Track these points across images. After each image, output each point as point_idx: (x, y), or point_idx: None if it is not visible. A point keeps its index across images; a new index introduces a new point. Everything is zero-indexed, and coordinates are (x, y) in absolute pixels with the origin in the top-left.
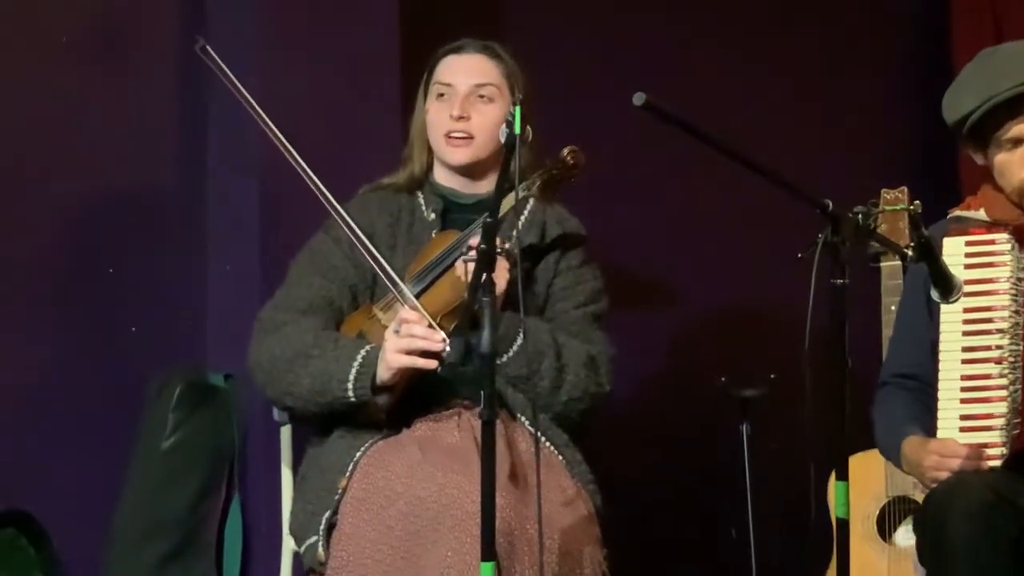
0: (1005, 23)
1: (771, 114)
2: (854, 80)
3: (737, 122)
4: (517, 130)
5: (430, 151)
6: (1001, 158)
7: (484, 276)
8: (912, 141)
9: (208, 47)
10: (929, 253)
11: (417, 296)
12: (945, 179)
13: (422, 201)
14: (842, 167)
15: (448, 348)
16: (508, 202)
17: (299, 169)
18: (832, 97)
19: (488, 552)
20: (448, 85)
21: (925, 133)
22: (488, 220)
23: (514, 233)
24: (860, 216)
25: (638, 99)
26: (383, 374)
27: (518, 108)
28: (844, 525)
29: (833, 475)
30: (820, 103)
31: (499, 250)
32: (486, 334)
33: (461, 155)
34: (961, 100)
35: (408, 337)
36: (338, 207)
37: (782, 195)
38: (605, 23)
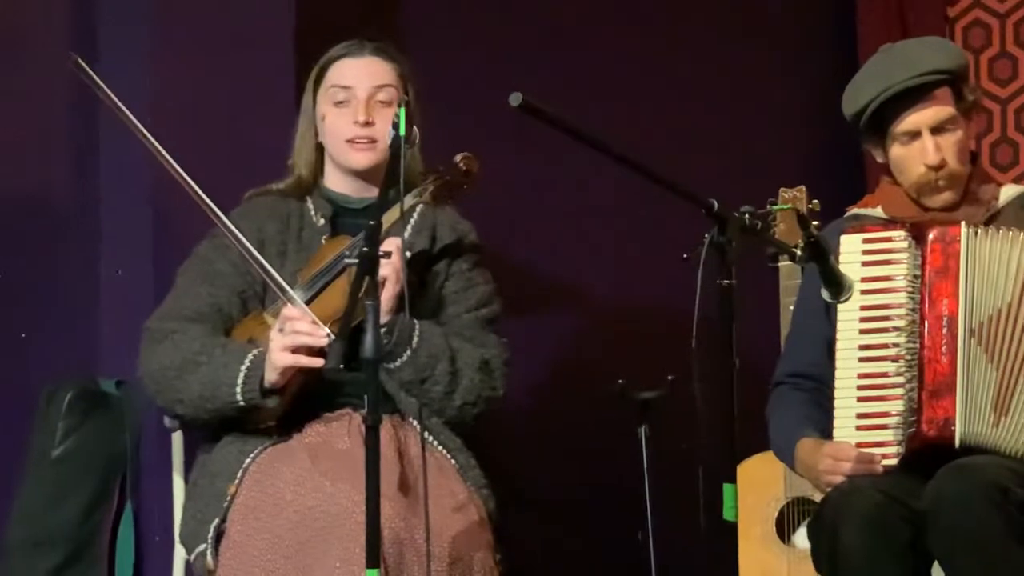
0: (912, 23)
1: (680, 114)
2: (761, 79)
3: (643, 123)
4: (403, 131)
5: (319, 155)
6: (898, 152)
7: (368, 279)
8: (820, 140)
9: (80, 61)
10: (818, 253)
11: (307, 303)
12: (855, 178)
13: (311, 206)
14: (753, 168)
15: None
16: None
17: (180, 179)
18: (739, 97)
19: (373, 558)
20: (347, 88)
21: (834, 132)
22: (371, 223)
23: (403, 237)
24: (746, 216)
25: (515, 99)
26: (270, 375)
27: (403, 110)
28: (733, 528)
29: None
30: (728, 103)
31: (382, 254)
32: (369, 338)
33: (365, 158)
34: (859, 93)
35: (292, 334)
36: (222, 216)
37: (677, 195)
38: (499, 25)
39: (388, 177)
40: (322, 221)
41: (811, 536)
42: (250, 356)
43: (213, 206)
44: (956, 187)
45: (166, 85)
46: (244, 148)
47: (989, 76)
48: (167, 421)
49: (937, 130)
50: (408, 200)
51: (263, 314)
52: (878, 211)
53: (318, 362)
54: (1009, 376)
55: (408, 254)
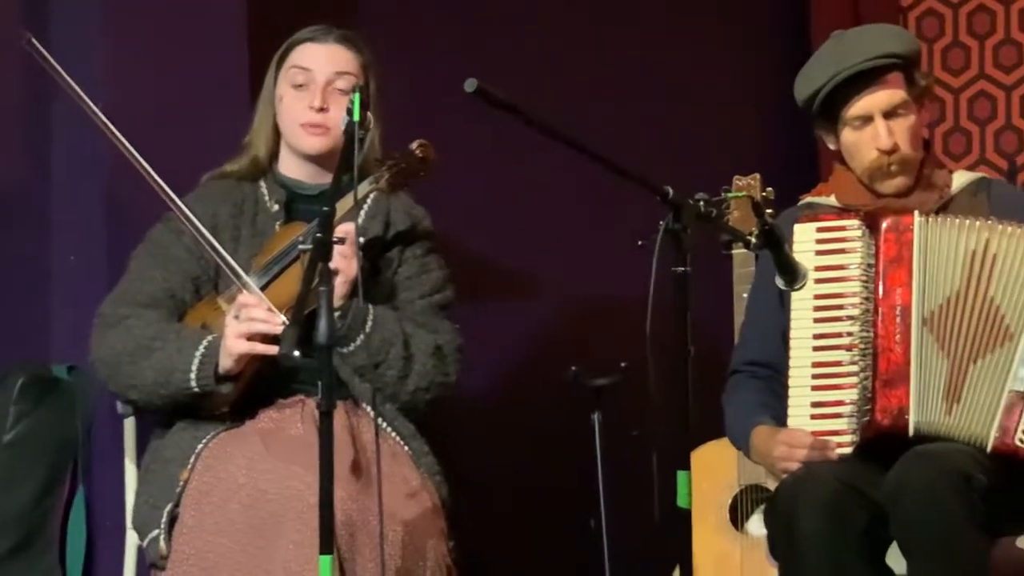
0: (865, 12)
1: (633, 102)
2: (715, 67)
3: (598, 111)
4: (356, 117)
5: (276, 136)
6: (850, 137)
7: (321, 265)
8: (773, 128)
9: (34, 40)
10: (772, 240)
11: (262, 289)
12: (808, 166)
13: (265, 191)
14: (706, 157)
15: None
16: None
17: (135, 162)
18: (693, 85)
19: (327, 545)
20: (307, 70)
21: (787, 121)
22: (325, 209)
23: (357, 223)
24: (701, 203)
25: (470, 85)
26: (225, 362)
27: (357, 95)
28: (686, 515)
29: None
30: (681, 91)
31: (336, 239)
32: (323, 324)
33: (318, 143)
34: (811, 77)
35: (248, 321)
36: (177, 200)
37: (632, 182)
38: (454, 14)
39: (342, 163)
40: (276, 207)
41: (767, 522)
42: (205, 342)
43: (168, 190)
44: (909, 172)
45: (118, 69)
46: (197, 133)
47: (942, 66)
48: (119, 407)
49: (889, 114)
50: (364, 187)
51: (217, 299)
52: (832, 199)
53: (273, 349)
54: (959, 364)
55: (362, 239)
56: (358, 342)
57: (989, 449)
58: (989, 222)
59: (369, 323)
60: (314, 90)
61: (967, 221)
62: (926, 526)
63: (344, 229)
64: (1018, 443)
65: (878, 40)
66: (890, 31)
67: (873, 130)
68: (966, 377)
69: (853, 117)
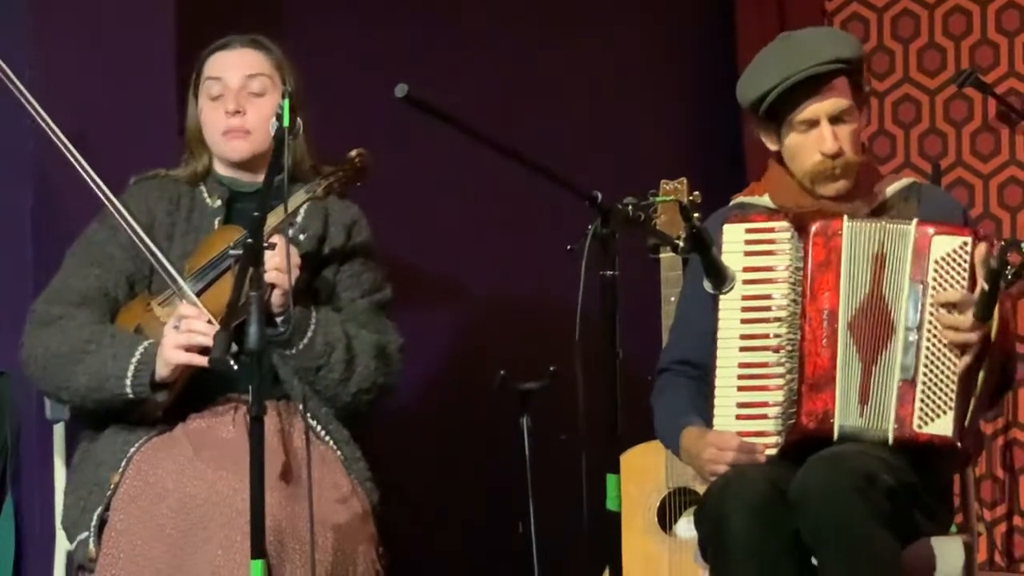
0: (790, 16)
1: (559, 107)
2: (640, 71)
3: (523, 116)
4: (286, 123)
5: (209, 150)
6: (795, 140)
7: (252, 271)
8: (698, 131)
9: None
10: (700, 244)
11: (198, 294)
12: (733, 168)
13: (205, 191)
14: (631, 161)
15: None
16: (294, 200)
17: (74, 161)
18: (618, 89)
19: (258, 550)
20: (218, 80)
21: (711, 124)
22: (256, 215)
23: (296, 224)
24: (630, 207)
25: (400, 91)
26: (161, 370)
27: (287, 100)
28: (616, 518)
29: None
30: (606, 95)
31: (266, 244)
32: (254, 329)
33: (240, 149)
34: (759, 80)
35: (187, 333)
36: (114, 199)
37: (560, 187)
38: (380, 19)
39: (273, 168)
40: (218, 202)
41: (697, 524)
42: (140, 349)
43: (105, 189)
44: (850, 176)
45: (46, 80)
46: (124, 133)
47: (867, 70)
48: (48, 412)
49: (835, 120)
50: (301, 197)
51: (151, 302)
52: (765, 198)
53: None
54: (869, 363)
55: (302, 237)
56: (301, 345)
57: (891, 442)
58: (884, 222)
59: (312, 327)
60: (228, 96)
61: (874, 224)
62: (830, 527)
63: (276, 238)
64: (916, 429)
65: (827, 44)
66: (837, 35)
67: (818, 134)
68: (871, 377)
69: (800, 121)
